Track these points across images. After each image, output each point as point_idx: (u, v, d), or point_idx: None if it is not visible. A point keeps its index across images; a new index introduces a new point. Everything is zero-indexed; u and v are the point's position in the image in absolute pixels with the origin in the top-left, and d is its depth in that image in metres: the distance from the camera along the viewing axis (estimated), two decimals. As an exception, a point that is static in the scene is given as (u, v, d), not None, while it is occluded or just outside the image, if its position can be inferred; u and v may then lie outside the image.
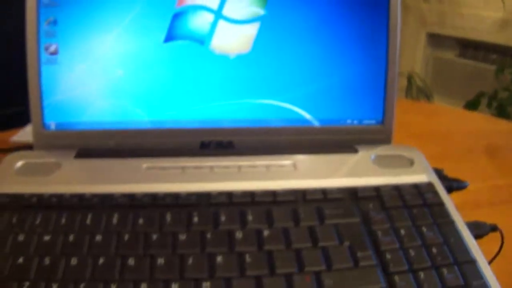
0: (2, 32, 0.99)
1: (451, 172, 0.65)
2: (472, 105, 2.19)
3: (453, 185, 0.62)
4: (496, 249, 0.55)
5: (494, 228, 0.58)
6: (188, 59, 0.60)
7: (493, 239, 0.56)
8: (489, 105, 2.17)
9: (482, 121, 1.17)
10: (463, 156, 0.87)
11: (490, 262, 0.51)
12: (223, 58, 0.61)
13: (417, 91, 2.48)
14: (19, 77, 0.92)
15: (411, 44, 2.73)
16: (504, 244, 0.55)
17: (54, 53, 0.59)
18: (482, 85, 2.36)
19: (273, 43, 0.61)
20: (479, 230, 0.56)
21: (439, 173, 0.62)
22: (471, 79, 2.53)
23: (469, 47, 2.60)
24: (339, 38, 0.62)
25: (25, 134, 0.88)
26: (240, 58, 0.61)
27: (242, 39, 0.61)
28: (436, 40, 2.72)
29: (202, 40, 0.60)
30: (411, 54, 2.74)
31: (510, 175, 0.82)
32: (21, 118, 0.92)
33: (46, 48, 0.59)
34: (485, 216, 0.58)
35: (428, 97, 2.47)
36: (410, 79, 2.45)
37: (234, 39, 0.61)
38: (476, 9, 2.42)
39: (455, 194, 0.63)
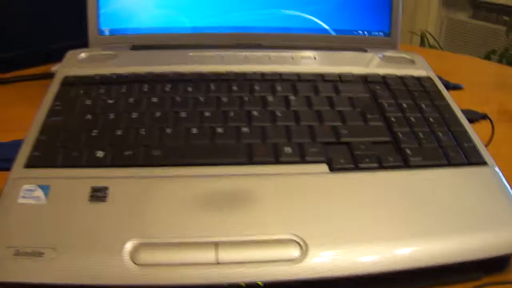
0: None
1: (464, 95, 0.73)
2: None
3: (449, 84, 0.72)
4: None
5: (484, 116, 0.67)
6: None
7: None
8: (499, 62, 2.23)
9: (491, 66, 1.24)
10: (473, 86, 0.94)
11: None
12: (254, -28, 0.70)
13: (429, 49, 2.54)
14: (57, 17, 1.01)
15: (424, 4, 2.77)
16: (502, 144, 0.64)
17: (109, -32, 0.68)
18: (493, 46, 2.40)
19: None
20: (471, 115, 0.66)
21: (438, 76, 0.71)
22: (483, 39, 2.57)
23: (482, 9, 2.64)
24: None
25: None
26: (268, -26, 0.70)
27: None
28: (449, 1, 2.76)
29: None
30: (425, 15, 2.78)
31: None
32: (59, 53, 1.02)
33: (102, -37, 0.68)
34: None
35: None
36: (423, 37, 2.51)
37: (263, -43, 0.70)
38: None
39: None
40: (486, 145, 0.59)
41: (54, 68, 0.95)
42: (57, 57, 1.00)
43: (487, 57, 2.21)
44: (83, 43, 0.70)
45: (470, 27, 2.72)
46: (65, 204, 0.45)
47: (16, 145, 0.51)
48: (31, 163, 0.49)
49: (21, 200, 0.45)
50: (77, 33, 0.73)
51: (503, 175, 0.51)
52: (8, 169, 0.49)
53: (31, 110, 0.59)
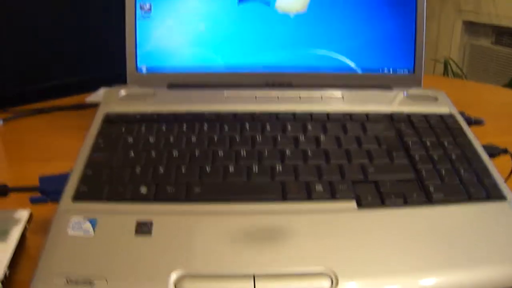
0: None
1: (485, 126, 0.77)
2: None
3: (471, 119, 0.75)
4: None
5: (505, 151, 0.70)
6: (257, 17, 0.74)
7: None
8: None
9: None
10: (492, 117, 0.95)
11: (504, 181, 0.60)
12: (285, 16, 0.75)
13: (453, 76, 2.56)
14: (92, 49, 1.06)
15: (448, 32, 2.79)
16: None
17: (148, 10, 0.73)
18: (516, 71, 2.42)
19: (324, 5, 0.75)
20: (492, 150, 0.68)
21: (460, 112, 0.74)
22: (506, 65, 2.59)
23: (504, 34, 2.66)
24: (377, 2, 0.75)
25: (97, 96, 1.04)
26: (298, 16, 0.75)
27: (300, 1, 0.75)
28: (472, 28, 2.78)
29: (268, 2, 0.74)
30: (447, 42, 2.80)
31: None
32: (94, 83, 1.07)
33: (142, 7, 0.73)
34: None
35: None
36: (446, 64, 2.53)
37: (294, 1, 0.75)
38: (510, -3, 2.47)
39: (484, 143, 0.72)
40: (506, 179, 0.63)
41: (88, 98, 1.00)
42: (88, 88, 1.05)
43: (510, 83, 2.22)
44: (114, 76, 0.75)
45: (492, 53, 2.74)
46: (112, 236, 0.48)
47: (64, 177, 0.56)
48: (79, 196, 0.53)
49: (70, 232, 0.49)
50: (107, 66, 0.78)
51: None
52: (57, 201, 0.53)
53: (69, 140, 0.64)
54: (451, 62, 2.59)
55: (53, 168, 0.61)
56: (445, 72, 2.56)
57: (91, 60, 1.15)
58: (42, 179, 0.60)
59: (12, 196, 0.61)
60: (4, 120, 0.94)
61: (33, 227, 0.57)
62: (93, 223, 0.50)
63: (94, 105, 0.87)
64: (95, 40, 1.11)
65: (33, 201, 0.58)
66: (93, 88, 1.08)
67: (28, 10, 1.06)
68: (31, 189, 0.60)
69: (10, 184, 0.63)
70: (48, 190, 0.58)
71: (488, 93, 1.23)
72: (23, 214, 0.57)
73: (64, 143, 0.82)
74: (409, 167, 0.58)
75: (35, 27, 1.07)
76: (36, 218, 0.58)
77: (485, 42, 2.80)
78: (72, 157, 0.59)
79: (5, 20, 1.02)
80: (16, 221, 0.56)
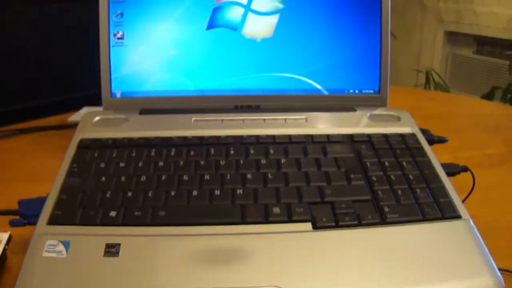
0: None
1: (451, 141, 0.78)
2: (486, 98, 2.29)
3: (434, 138, 0.77)
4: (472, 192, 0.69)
5: (465, 169, 0.71)
6: (225, 42, 0.78)
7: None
8: (503, 98, 2.27)
9: (492, 107, 1.29)
10: (466, 130, 1.00)
11: (464, 200, 0.64)
12: (252, 41, 0.78)
13: (435, 86, 2.59)
14: (76, 68, 1.09)
15: (429, 42, 2.82)
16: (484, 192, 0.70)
17: (121, 38, 0.76)
18: (498, 81, 2.44)
19: (290, 29, 0.78)
20: (452, 168, 0.70)
21: (424, 130, 0.76)
22: (487, 74, 2.62)
23: (485, 44, 2.69)
24: (342, 25, 0.78)
25: (78, 115, 1.07)
26: (265, 41, 0.78)
27: (266, 27, 0.78)
28: (453, 37, 2.81)
29: (235, 27, 0.77)
30: (430, 52, 2.83)
31: (505, 146, 0.94)
32: (76, 103, 1.10)
33: (115, 35, 0.76)
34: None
35: (445, 92, 2.57)
36: (428, 75, 2.56)
37: (260, 26, 0.78)
38: (490, 7, 2.52)
39: (448, 157, 0.76)
40: (466, 198, 0.66)
41: (70, 118, 1.03)
42: (72, 107, 1.08)
43: (491, 93, 2.25)
44: (93, 95, 0.78)
45: (474, 62, 2.77)
46: (83, 258, 0.52)
47: (41, 201, 0.59)
48: (54, 221, 0.56)
49: (45, 254, 0.52)
50: (87, 86, 0.81)
51: (481, 222, 0.57)
52: (34, 223, 0.56)
53: (51, 160, 0.67)
54: (433, 73, 2.61)
55: (35, 190, 0.64)
56: (427, 83, 2.59)
57: (75, 79, 1.17)
58: (21, 203, 0.63)
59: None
60: (-13, 140, 0.96)
61: (13, 247, 0.61)
62: (66, 245, 0.53)
63: (76, 125, 0.90)
64: (78, 60, 1.14)
65: (12, 224, 0.60)
66: (77, 106, 1.11)
67: (11, 31, 1.08)
68: (11, 213, 0.62)
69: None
70: (27, 214, 0.61)
71: (465, 105, 1.26)
72: (3, 236, 0.61)
73: (46, 164, 0.84)
74: (366, 188, 0.61)
75: (18, 47, 1.09)
76: (16, 238, 0.62)
77: (466, 52, 2.83)
78: (53, 178, 0.62)
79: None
80: None
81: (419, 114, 0.77)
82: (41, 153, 0.91)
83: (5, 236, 0.61)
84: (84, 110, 1.11)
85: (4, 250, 0.59)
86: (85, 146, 0.67)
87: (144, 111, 0.75)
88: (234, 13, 0.77)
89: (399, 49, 0.74)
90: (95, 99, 0.77)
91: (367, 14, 0.78)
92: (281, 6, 0.77)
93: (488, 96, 2.34)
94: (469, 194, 0.69)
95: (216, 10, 0.77)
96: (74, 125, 0.95)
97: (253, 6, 0.77)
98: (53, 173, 0.63)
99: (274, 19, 0.77)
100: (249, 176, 0.61)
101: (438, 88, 2.64)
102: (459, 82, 2.84)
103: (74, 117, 1.08)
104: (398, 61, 0.75)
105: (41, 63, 1.11)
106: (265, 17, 0.78)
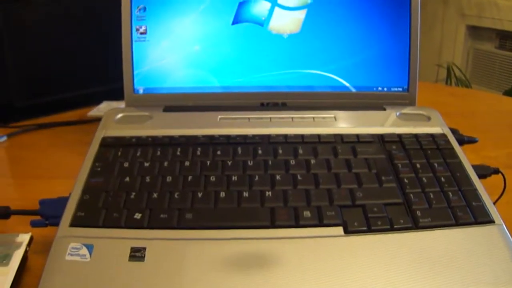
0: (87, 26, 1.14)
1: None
2: (509, 94, 2.26)
3: (464, 138, 0.75)
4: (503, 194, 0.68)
5: (496, 171, 0.70)
6: (251, 38, 0.76)
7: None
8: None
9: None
10: (490, 128, 0.98)
11: (495, 202, 0.61)
12: (279, 37, 0.76)
13: (456, 81, 2.56)
14: (94, 63, 1.08)
15: (451, 36, 2.79)
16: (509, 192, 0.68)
17: (144, 33, 0.75)
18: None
19: (318, 25, 0.76)
20: (483, 170, 0.68)
21: (453, 130, 0.74)
22: (509, 70, 2.59)
23: (508, 39, 2.66)
24: (371, 21, 0.76)
25: (99, 110, 1.07)
26: (292, 37, 0.76)
27: (293, 22, 0.76)
28: (475, 32, 2.78)
29: (262, 23, 0.75)
30: (451, 46, 2.80)
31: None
32: (95, 97, 1.09)
33: (137, 29, 0.75)
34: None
35: (467, 87, 2.54)
36: (449, 70, 2.53)
37: (287, 22, 0.76)
38: (512, 1, 2.47)
39: (475, 157, 0.74)
40: (496, 201, 0.64)
41: (90, 113, 1.02)
42: (89, 102, 1.07)
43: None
44: (113, 89, 0.76)
45: (496, 57, 2.73)
46: (107, 262, 0.50)
47: (63, 201, 0.58)
48: (76, 223, 0.54)
49: (68, 257, 0.51)
50: (106, 80, 0.79)
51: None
52: (56, 224, 0.55)
53: (71, 156, 0.66)
54: (454, 68, 2.58)
55: (55, 186, 0.63)
56: (448, 78, 2.56)
57: (94, 74, 1.16)
58: (42, 203, 0.62)
59: (14, 217, 0.62)
60: (8, 135, 0.96)
61: (34, 247, 0.60)
62: (90, 248, 0.51)
63: (96, 120, 0.89)
64: (97, 54, 1.13)
65: (34, 225, 0.59)
66: (97, 101, 1.10)
67: (34, 27, 1.07)
68: (32, 213, 0.61)
69: (13, 202, 0.65)
70: (48, 214, 0.60)
71: (488, 102, 1.24)
72: (24, 238, 0.60)
73: (66, 159, 0.84)
74: (398, 191, 0.59)
75: (40, 42, 1.08)
76: (36, 239, 0.60)
77: (488, 47, 2.79)
78: (73, 174, 0.61)
79: (11, 36, 1.03)
80: (17, 245, 0.58)
81: (442, 111, 0.75)
82: (61, 149, 0.90)
83: (26, 237, 0.59)
84: (104, 105, 1.11)
85: (26, 251, 0.58)
86: (107, 144, 0.66)
87: (167, 108, 0.74)
88: (260, 8, 0.75)
89: (420, 43, 0.73)
90: (114, 93, 0.76)
91: (396, 10, 0.76)
92: (309, 1, 0.75)
93: (511, 92, 2.31)
94: (500, 197, 0.67)
95: (242, 4, 0.75)
96: (94, 120, 0.95)
97: (280, 0, 0.75)
98: (73, 169, 0.62)
99: (301, 15, 0.75)
100: (278, 177, 0.59)
101: (459, 83, 2.61)
102: (480, 77, 2.81)
103: (94, 111, 1.07)
104: (419, 55, 0.74)
105: (59, 57, 1.09)
106: (292, 12, 0.76)
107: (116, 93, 0.76)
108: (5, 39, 1.02)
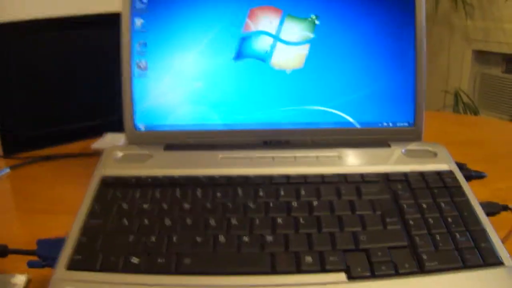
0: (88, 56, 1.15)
1: (484, 171, 0.76)
2: (517, 119, 2.25)
3: (471, 174, 0.74)
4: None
5: (505, 208, 0.68)
6: (253, 74, 0.75)
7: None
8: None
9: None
10: (499, 158, 0.97)
11: (504, 240, 0.61)
12: (281, 72, 0.75)
13: (464, 107, 2.55)
14: (96, 97, 1.08)
15: (457, 61, 2.78)
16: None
17: (144, 68, 0.74)
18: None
19: (321, 60, 0.75)
20: (491, 208, 0.67)
21: (461, 165, 0.72)
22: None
23: (515, 62, 2.65)
24: (375, 55, 0.75)
25: (103, 142, 1.06)
26: (295, 72, 0.75)
27: (296, 58, 0.75)
28: (482, 56, 2.77)
29: (264, 58, 0.74)
30: (458, 71, 2.79)
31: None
32: (98, 129, 1.09)
33: (138, 65, 0.74)
34: None
35: (475, 113, 2.53)
36: (456, 96, 2.52)
37: (289, 57, 0.75)
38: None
39: (486, 190, 0.73)
40: (505, 239, 0.62)
41: (93, 145, 1.01)
42: (93, 133, 1.07)
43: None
44: (117, 121, 0.76)
45: (503, 81, 2.72)
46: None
47: (60, 242, 0.57)
48: (73, 266, 0.53)
49: (64, 302, 0.48)
50: (110, 111, 0.79)
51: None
52: (53, 266, 0.54)
53: (74, 190, 0.65)
54: (462, 93, 2.57)
55: (56, 222, 0.63)
56: (456, 104, 2.55)
57: (98, 105, 1.16)
58: (40, 243, 0.61)
59: (11, 256, 0.61)
60: (11, 167, 0.95)
61: (34, 286, 0.60)
62: (86, 294, 0.49)
63: (99, 153, 0.88)
64: (101, 86, 1.13)
65: (30, 265, 0.58)
66: (101, 132, 1.10)
67: (32, 57, 1.07)
68: (29, 253, 0.60)
69: (15, 238, 0.65)
70: (45, 255, 0.59)
71: (496, 130, 1.22)
72: (21, 279, 0.59)
73: (69, 193, 0.83)
74: (403, 233, 0.57)
75: (40, 73, 1.09)
76: (36, 277, 0.60)
77: (495, 71, 2.78)
78: (76, 211, 0.60)
79: (17, 68, 1.03)
80: (14, 287, 0.58)
81: (449, 141, 0.74)
82: (63, 182, 0.89)
83: (23, 279, 0.59)
84: (107, 137, 1.10)
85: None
86: (107, 184, 0.64)
87: (169, 146, 0.72)
88: (262, 43, 0.74)
89: (426, 76, 0.73)
90: (118, 125, 0.75)
91: (401, 43, 0.74)
92: (311, 36, 0.74)
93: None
94: (509, 234, 0.66)
95: (244, 40, 0.74)
96: (97, 153, 0.94)
97: (282, 35, 0.74)
98: (75, 203, 0.61)
99: (304, 50, 0.74)
100: (279, 220, 0.58)
101: (467, 109, 2.59)
102: (488, 102, 2.79)
103: (97, 144, 1.07)
104: (426, 82, 0.74)
105: (63, 89, 1.10)
106: (295, 47, 0.75)
107: (120, 125, 0.75)
108: (12, 71, 1.02)
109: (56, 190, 0.88)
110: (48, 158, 1.02)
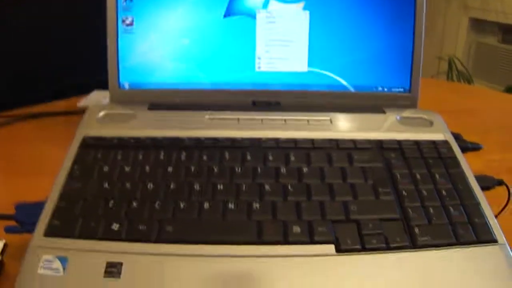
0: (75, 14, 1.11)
1: (481, 142, 0.75)
2: (510, 90, 2.24)
3: (468, 145, 0.72)
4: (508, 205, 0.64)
5: (500, 183, 0.66)
6: (243, 32, 0.71)
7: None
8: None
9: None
10: (493, 129, 0.94)
11: (497, 215, 0.59)
12: (273, 31, 0.71)
13: (457, 75, 2.53)
14: (84, 54, 1.05)
15: (453, 29, 2.76)
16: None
17: (130, 24, 0.70)
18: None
19: (316, 20, 0.71)
20: (486, 182, 0.65)
21: (456, 135, 0.70)
22: (512, 64, 2.56)
23: (511, 33, 2.63)
24: (372, 17, 0.71)
25: (89, 100, 1.02)
26: (287, 32, 0.71)
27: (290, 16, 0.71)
28: (478, 25, 2.74)
29: (255, 15, 0.71)
30: (453, 39, 2.77)
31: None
32: (86, 87, 1.06)
33: (123, 21, 0.70)
34: (508, 182, 0.66)
35: (468, 81, 2.51)
36: (450, 63, 2.50)
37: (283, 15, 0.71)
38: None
39: (479, 161, 0.72)
40: (498, 214, 0.60)
41: (79, 103, 0.98)
42: (80, 92, 1.03)
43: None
44: (105, 80, 0.72)
45: (499, 51, 2.70)
46: (81, 278, 0.47)
47: (39, 206, 0.54)
48: (51, 232, 0.51)
49: (41, 271, 0.47)
50: (99, 70, 0.75)
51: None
52: (31, 232, 0.52)
53: (58, 150, 0.62)
54: (456, 61, 2.54)
55: (38, 184, 0.59)
56: (450, 71, 2.52)
57: (85, 63, 1.13)
58: (18, 208, 0.58)
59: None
60: (-7, 126, 0.92)
61: (12, 251, 0.56)
62: (64, 262, 0.48)
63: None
64: (88, 43, 1.09)
65: (8, 231, 0.56)
66: (88, 91, 1.06)
67: (23, 18, 1.04)
68: (8, 217, 0.58)
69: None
70: (23, 220, 0.56)
71: (490, 100, 1.20)
72: None
73: (51, 154, 0.79)
74: (395, 204, 0.55)
75: (27, 27, 1.05)
76: (14, 243, 0.56)
77: (491, 40, 2.76)
78: (58, 171, 0.58)
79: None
80: None
81: (443, 109, 0.71)
82: (46, 142, 0.86)
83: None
84: (94, 94, 1.07)
85: (1, 259, 0.54)
86: (88, 145, 0.61)
87: (153, 106, 0.69)
88: (255, 0, 0.70)
89: (424, 40, 0.71)
90: (105, 84, 0.72)
91: (400, 6, 0.71)
92: (306, -6, 0.70)
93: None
94: (502, 209, 0.63)
95: (235, -5, 0.70)
96: (83, 111, 0.90)
97: (276, -8, 0.70)
98: (57, 164, 0.59)
99: (298, 8, 0.71)
100: (267, 187, 0.55)
101: (461, 77, 2.57)
102: (482, 71, 2.77)
103: (83, 102, 1.03)
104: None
105: (50, 45, 1.06)
106: (289, 5, 0.71)
107: (107, 83, 0.71)
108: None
109: (38, 151, 0.85)
110: (31, 116, 0.98)
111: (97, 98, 1.05)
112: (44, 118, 0.97)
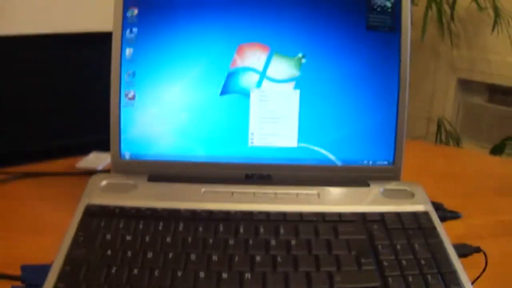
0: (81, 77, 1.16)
1: (460, 207, 0.79)
2: (498, 149, 2.28)
3: (447, 215, 0.76)
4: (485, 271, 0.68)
5: (477, 250, 0.70)
6: (238, 109, 0.77)
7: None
8: (514, 149, 2.25)
9: (505, 165, 1.27)
10: (476, 192, 0.99)
11: (474, 281, 0.63)
12: (266, 108, 0.77)
13: (446, 135, 2.57)
14: (83, 115, 1.09)
15: (442, 89, 2.80)
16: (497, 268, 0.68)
17: (132, 98, 0.76)
18: (510, 129, 2.43)
19: (306, 98, 0.77)
20: (464, 250, 0.69)
21: (437, 205, 0.75)
22: (499, 123, 2.60)
23: (498, 93, 2.68)
24: (358, 94, 0.77)
25: (87, 161, 1.06)
26: (279, 108, 0.77)
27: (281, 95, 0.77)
28: (466, 85, 2.79)
29: (249, 94, 0.76)
30: (442, 99, 2.81)
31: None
32: (84, 147, 1.09)
33: (126, 94, 0.75)
34: (487, 246, 0.70)
35: (457, 141, 2.56)
36: (439, 124, 2.55)
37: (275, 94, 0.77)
38: (503, 56, 2.51)
39: (461, 225, 0.76)
40: (474, 281, 0.64)
41: (78, 164, 1.02)
42: (79, 151, 1.07)
43: (502, 145, 2.23)
44: (103, 140, 0.77)
45: (486, 110, 2.75)
46: None
47: (45, 269, 0.58)
48: (56, 296, 0.54)
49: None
50: (97, 130, 0.80)
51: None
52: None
53: (55, 209, 0.66)
54: (445, 121, 2.60)
55: (38, 244, 0.64)
56: (439, 132, 2.58)
57: (84, 124, 1.17)
58: (25, 269, 0.62)
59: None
60: (-10, 183, 0.95)
61: None
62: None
63: (84, 172, 0.89)
64: (89, 104, 1.13)
65: (14, 291, 0.59)
66: (87, 151, 1.11)
67: (21, 72, 1.08)
68: (14, 278, 0.62)
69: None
70: (29, 282, 0.60)
71: (475, 162, 1.25)
72: None
73: (52, 213, 0.84)
74: (376, 274, 0.59)
75: (28, 89, 1.09)
76: None
77: (479, 100, 2.81)
78: (58, 231, 0.62)
79: (4, 83, 1.04)
80: None
81: (429, 173, 0.75)
82: (46, 201, 0.89)
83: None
84: (92, 156, 1.11)
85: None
86: (91, 213, 0.66)
87: (152, 177, 0.74)
88: (249, 79, 0.76)
89: (410, 96, 0.74)
90: (104, 144, 0.76)
91: (384, 83, 0.77)
92: (297, 73, 0.76)
93: (500, 147, 2.32)
94: (478, 277, 0.67)
95: (231, 75, 0.76)
96: (82, 173, 0.95)
97: (269, 72, 0.76)
98: (58, 225, 0.63)
99: (289, 87, 0.76)
100: (258, 258, 0.60)
101: (449, 137, 2.62)
102: (470, 130, 2.82)
103: (82, 163, 1.07)
104: (409, 109, 0.75)
105: (51, 106, 1.10)
106: (280, 85, 0.76)
107: (106, 144, 0.76)
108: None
109: (38, 210, 0.88)
110: (31, 175, 1.01)
111: (96, 160, 1.09)
112: (43, 177, 1.01)
